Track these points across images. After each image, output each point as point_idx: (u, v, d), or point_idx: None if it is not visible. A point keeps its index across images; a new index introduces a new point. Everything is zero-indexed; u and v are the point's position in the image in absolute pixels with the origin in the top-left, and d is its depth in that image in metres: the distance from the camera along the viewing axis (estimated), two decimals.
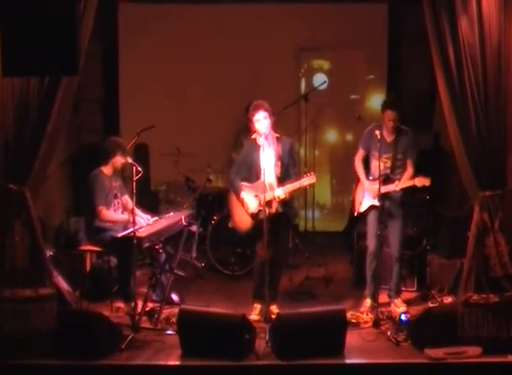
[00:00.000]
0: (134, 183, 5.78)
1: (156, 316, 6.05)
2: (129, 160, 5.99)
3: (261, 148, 5.97)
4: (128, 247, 5.78)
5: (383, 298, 6.43)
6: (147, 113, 8.86)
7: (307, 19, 9.24)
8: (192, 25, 9.28)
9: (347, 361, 5.38)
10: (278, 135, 6.21)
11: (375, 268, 6.35)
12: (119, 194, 6.56)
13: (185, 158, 8.23)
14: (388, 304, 6.43)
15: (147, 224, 6.27)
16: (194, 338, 5.44)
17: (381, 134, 6.18)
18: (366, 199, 6.44)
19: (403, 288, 6.77)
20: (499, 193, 5.39)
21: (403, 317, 5.93)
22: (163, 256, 6.56)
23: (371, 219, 6.40)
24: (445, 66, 5.39)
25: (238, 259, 7.67)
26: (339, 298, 6.83)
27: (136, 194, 5.79)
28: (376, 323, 5.95)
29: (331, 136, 9.74)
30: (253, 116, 6.08)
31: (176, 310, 5.89)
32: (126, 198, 6.61)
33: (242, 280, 7.40)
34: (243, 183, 6.21)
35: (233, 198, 6.32)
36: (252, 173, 6.16)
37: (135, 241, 5.69)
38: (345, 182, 9.54)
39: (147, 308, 6.19)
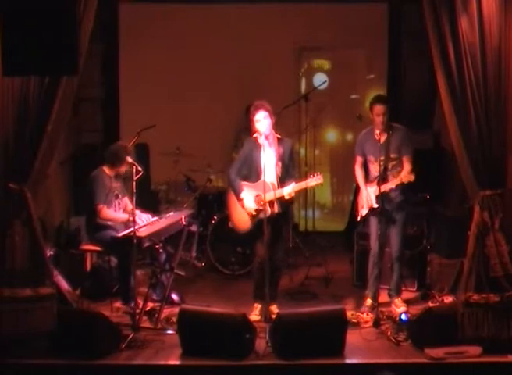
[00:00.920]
0: (134, 183, 5.78)
1: (156, 315, 6.05)
2: (130, 160, 5.99)
3: (262, 148, 5.97)
4: (128, 246, 5.78)
5: (383, 297, 6.43)
6: (147, 113, 8.86)
7: (308, 18, 9.24)
8: (192, 25, 9.27)
9: (347, 361, 5.39)
10: (279, 136, 6.21)
11: (378, 269, 6.34)
12: (120, 195, 6.57)
13: (185, 158, 8.23)
14: (388, 304, 6.43)
15: (148, 224, 6.27)
16: (194, 338, 5.44)
17: (374, 138, 6.18)
18: (365, 202, 6.41)
19: (403, 288, 6.76)
20: (499, 192, 5.39)
21: (403, 317, 5.93)
22: (163, 256, 6.56)
23: (374, 220, 6.39)
24: (445, 65, 5.38)
25: (238, 259, 7.67)
26: (339, 297, 6.84)
27: (136, 194, 5.79)
28: (376, 323, 5.95)
29: (331, 135, 9.74)
30: (253, 116, 6.08)
31: (176, 310, 5.89)
32: (127, 201, 6.62)
33: (242, 279, 7.40)
34: (243, 182, 6.21)
35: (232, 198, 6.31)
36: (253, 173, 6.15)
37: (135, 241, 5.69)
38: (345, 182, 9.55)
39: (148, 308, 6.19)
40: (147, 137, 6.72)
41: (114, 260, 6.57)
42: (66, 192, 8.91)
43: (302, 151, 8.71)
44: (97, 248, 6.47)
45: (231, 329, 5.38)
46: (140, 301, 6.06)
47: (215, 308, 5.87)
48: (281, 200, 6.08)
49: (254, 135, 6.13)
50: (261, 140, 6.02)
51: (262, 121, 6.04)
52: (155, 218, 6.48)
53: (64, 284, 6.32)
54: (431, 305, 6.32)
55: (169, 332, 5.84)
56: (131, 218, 5.89)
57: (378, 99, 6.31)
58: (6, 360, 5.27)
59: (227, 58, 9.27)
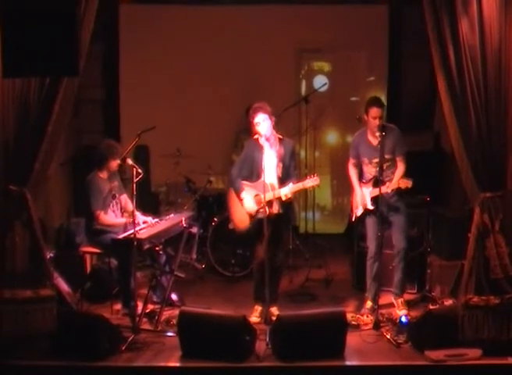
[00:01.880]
0: (135, 185, 5.78)
1: (156, 317, 6.05)
2: (130, 162, 5.99)
3: (263, 149, 5.97)
4: (128, 248, 5.78)
5: (384, 299, 6.41)
6: (147, 114, 8.86)
7: (308, 20, 9.24)
8: (192, 26, 9.28)
9: (347, 363, 5.39)
10: (280, 136, 6.21)
11: (375, 270, 6.34)
12: (117, 195, 6.55)
13: (185, 160, 8.22)
14: (389, 305, 6.41)
15: (148, 226, 6.27)
16: (195, 340, 5.44)
17: (367, 140, 6.18)
18: (360, 203, 6.41)
19: None
20: (499, 194, 5.38)
21: (403, 319, 5.92)
22: (163, 258, 6.56)
23: (370, 221, 6.40)
24: (445, 67, 5.38)
25: (238, 261, 7.66)
26: (339, 299, 6.84)
27: (136, 196, 5.79)
28: (376, 325, 5.95)
29: (331, 137, 9.74)
30: (253, 118, 6.08)
31: (176, 312, 5.89)
32: (126, 199, 6.61)
33: (242, 281, 7.40)
34: (244, 182, 6.21)
35: (232, 198, 6.32)
36: (253, 173, 6.15)
37: (135, 243, 5.69)
38: (345, 184, 9.49)
39: (148, 310, 6.19)
40: (147, 139, 6.70)
41: (114, 262, 6.56)
42: (66, 193, 8.91)
43: (302, 153, 8.71)
44: (97, 250, 6.47)
45: (231, 331, 5.38)
46: (140, 303, 6.07)
47: (215, 311, 5.88)
48: (280, 201, 6.08)
49: (255, 136, 6.13)
50: (262, 141, 6.03)
51: (262, 123, 6.05)
52: (156, 220, 6.47)
53: (64, 286, 6.32)
54: (431, 307, 6.31)
55: (169, 334, 5.84)
56: (129, 220, 5.89)
57: (374, 102, 6.28)
58: (6, 361, 5.26)
59: (227, 60, 9.27)
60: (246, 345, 5.38)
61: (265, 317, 5.90)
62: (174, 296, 6.57)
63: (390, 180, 6.20)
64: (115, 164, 6.43)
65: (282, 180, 6.12)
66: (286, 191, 6.00)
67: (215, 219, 7.80)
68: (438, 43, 5.39)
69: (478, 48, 5.30)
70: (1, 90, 5.26)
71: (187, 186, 8.35)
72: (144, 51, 9.24)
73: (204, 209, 8.19)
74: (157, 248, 6.34)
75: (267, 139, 6.05)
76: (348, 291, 7.14)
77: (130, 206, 6.29)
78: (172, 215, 6.76)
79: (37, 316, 5.35)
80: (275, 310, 6.17)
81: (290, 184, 6.01)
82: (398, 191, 6.23)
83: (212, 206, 8.20)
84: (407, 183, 6.08)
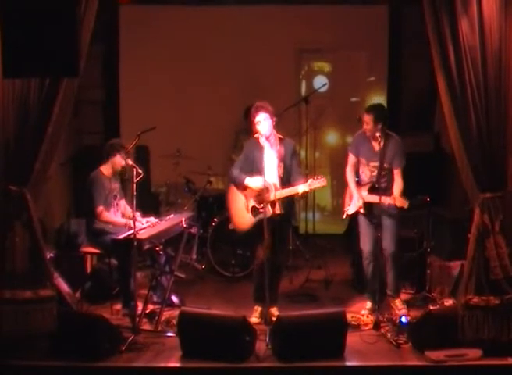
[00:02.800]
0: (135, 185, 5.78)
1: (156, 317, 6.04)
2: (130, 162, 5.99)
3: (264, 149, 5.96)
4: (128, 249, 5.78)
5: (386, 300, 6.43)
6: (147, 115, 8.87)
7: (308, 20, 9.25)
8: (192, 27, 9.28)
9: (348, 363, 5.39)
10: (281, 136, 6.21)
11: (372, 270, 6.35)
12: (118, 196, 6.56)
13: (185, 160, 8.22)
14: (389, 306, 6.42)
15: (148, 226, 6.27)
16: (195, 340, 5.44)
17: (369, 141, 6.20)
18: (353, 203, 6.42)
19: (403, 290, 6.78)
20: (499, 195, 5.38)
21: (403, 319, 5.92)
22: (163, 258, 6.56)
23: (363, 222, 6.41)
24: (445, 68, 5.38)
25: (238, 261, 7.66)
26: (339, 300, 6.83)
27: (136, 196, 5.79)
28: (376, 326, 5.95)
29: (331, 138, 9.75)
30: (254, 117, 6.08)
31: (176, 312, 5.89)
32: (125, 205, 6.63)
33: (242, 282, 7.40)
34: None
35: (232, 197, 6.31)
36: (254, 173, 6.12)
37: (135, 243, 5.69)
38: (345, 184, 9.53)
39: (148, 310, 6.19)
40: (147, 140, 6.71)
41: (114, 262, 6.56)
42: (66, 194, 8.92)
43: (302, 153, 8.71)
44: (97, 251, 6.47)
45: (231, 331, 5.37)
46: (140, 304, 6.06)
47: (215, 311, 5.89)
48: (282, 201, 6.08)
49: (256, 135, 6.12)
50: (262, 141, 6.02)
51: (263, 123, 6.04)
52: (156, 220, 6.47)
53: (64, 286, 6.32)
54: (431, 307, 6.31)
55: (169, 334, 5.83)
56: (130, 222, 5.89)
57: (366, 108, 6.42)
58: (6, 361, 5.26)
59: (227, 60, 9.28)
60: (246, 346, 5.38)
61: (265, 318, 5.89)
62: (175, 298, 6.56)
63: (385, 188, 6.22)
64: (119, 161, 6.43)
65: (284, 181, 6.11)
66: (304, 188, 5.97)
67: (215, 220, 7.80)
68: (438, 43, 5.39)
69: (478, 49, 5.30)
70: (1, 90, 5.26)
71: (187, 186, 8.35)
72: (143, 51, 9.25)
73: (204, 210, 8.19)
74: (157, 249, 6.34)
75: (267, 139, 6.04)
76: (348, 291, 7.14)
77: (130, 211, 6.29)
78: (172, 215, 6.76)
79: (37, 316, 5.35)
80: (275, 310, 6.16)
81: (303, 185, 5.98)
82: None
83: (212, 207, 8.20)
84: (403, 204, 6.07)
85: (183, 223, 6.44)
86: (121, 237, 6.01)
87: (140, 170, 5.85)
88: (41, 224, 5.82)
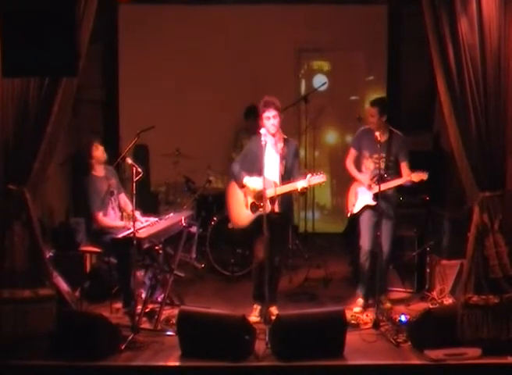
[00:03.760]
0: (134, 185, 5.78)
1: (156, 316, 6.05)
2: (129, 161, 5.99)
3: (267, 146, 5.94)
4: (127, 248, 5.78)
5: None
6: (146, 114, 8.86)
7: (307, 20, 9.24)
8: (192, 26, 9.28)
9: (347, 362, 5.38)
10: (285, 136, 6.21)
11: (368, 267, 6.38)
12: (115, 191, 6.54)
13: (185, 159, 8.22)
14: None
15: (147, 225, 6.27)
16: (194, 339, 5.44)
17: (373, 135, 6.23)
18: (360, 200, 6.45)
19: (402, 289, 6.80)
20: (498, 194, 5.39)
21: (403, 318, 5.93)
22: (163, 257, 6.55)
23: (365, 219, 6.44)
24: (445, 67, 5.38)
25: (238, 260, 7.67)
26: (338, 299, 6.83)
27: (136, 195, 5.79)
28: (376, 324, 5.95)
29: (331, 137, 9.74)
30: (263, 112, 6.04)
31: (175, 311, 5.90)
32: (125, 199, 6.61)
33: (242, 280, 7.40)
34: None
35: (231, 194, 6.31)
36: (255, 170, 6.09)
37: (135, 242, 5.69)
38: (345, 183, 9.50)
39: (147, 309, 6.19)
40: (146, 139, 6.72)
41: (113, 261, 6.56)
42: (66, 193, 8.91)
43: (302, 152, 8.69)
44: (97, 250, 6.47)
45: (230, 330, 5.38)
46: (140, 303, 6.06)
47: (215, 310, 5.87)
48: (281, 199, 6.08)
49: (261, 131, 6.00)
50: (266, 138, 5.97)
51: (272, 119, 6.02)
52: (155, 219, 6.47)
53: (63, 285, 6.32)
54: (430, 306, 6.32)
55: (169, 333, 5.84)
56: (128, 225, 5.88)
57: (371, 101, 6.54)
58: (6, 361, 5.26)
59: (227, 60, 9.28)
60: (245, 345, 5.38)
61: (265, 317, 5.89)
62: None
63: (389, 179, 6.27)
64: (98, 152, 6.43)
65: (284, 179, 6.11)
66: (303, 184, 5.98)
67: (215, 219, 7.80)
68: (437, 43, 5.39)
69: (477, 48, 5.30)
70: (0, 90, 5.26)
71: (187, 185, 8.36)
72: (143, 51, 9.25)
73: (204, 209, 8.19)
74: (156, 248, 6.34)
75: (273, 135, 6.04)
76: (347, 290, 7.13)
77: (130, 207, 6.28)
78: (171, 214, 6.76)
79: (37, 315, 5.35)
80: (274, 309, 6.16)
81: (301, 181, 5.99)
82: (397, 190, 6.24)
83: (212, 206, 8.20)
84: (422, 176, 6.14)
85: (183, 222, 6.44)
86: (120, 236, 6.01)
87: (139, 169, 5.84)
88: (40, 223, 5.82)
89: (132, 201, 5.88)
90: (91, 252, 6.71)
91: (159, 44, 9.26)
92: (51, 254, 6.54)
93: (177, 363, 5.39)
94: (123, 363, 5.35)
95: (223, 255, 7.73)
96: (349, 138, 9.55)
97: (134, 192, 5.78)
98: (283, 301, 6.59)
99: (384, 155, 6.29)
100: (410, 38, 9.03)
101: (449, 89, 5.39)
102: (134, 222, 5.78)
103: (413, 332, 5.64)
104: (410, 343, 5.61)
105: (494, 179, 5.38)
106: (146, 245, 5.95)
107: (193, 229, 7.61)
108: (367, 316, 6.23)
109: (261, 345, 5.51)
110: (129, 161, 5.99)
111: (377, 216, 6.22)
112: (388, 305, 6.45)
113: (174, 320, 5.84)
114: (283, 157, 6.14)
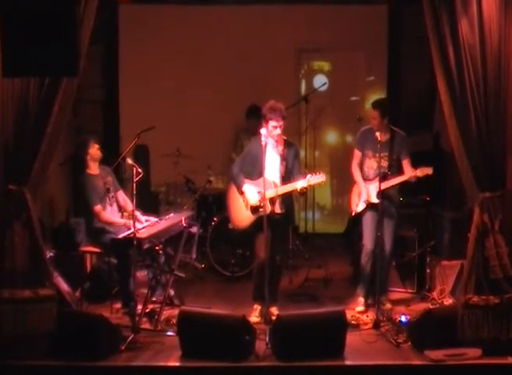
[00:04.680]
0: (135, 185, 5.77)
1: (156, 317, 6.05)
2: (130, 161, 5.99)
3: (268, 146, 5.94)
4: (128, 248, 5.78)
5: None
6: (147, 114, 8.86)
7: (308, 20, 9.24)
8: (192, 26, 9.27)
9: (347, 362, 5.38)
10: (286, 138, 6.20)
11: (370, 267, 6.38)
12: (111, 188, 6.54)
13: (185, 160, 8.22)
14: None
15: (148, 225, 6.27)
16: (194, 339, 5.44)
17: (375, 135, 6.24)
18: (363, 199, 6.45)
19: (403, 289, 6.79)
20: (498, 194, 5.38)
21: (403, 319, 5.93)
22: (163, 257, 6.55)
23: (368, 218, 6.44)
24: (445, 67, 5.38)
25: (238, 260, 7.66)
26: (339, 299, 6.83)
27: (136, 195, 5.79)
28: (376, 325, 5.95)
29: (331, 137, 9.74)
30: (270, 119, 6.01)
31: (176, 311, 5.89)
32: (124, 197, 6.61)
33: (242, 281, 7.40)
34: (245, 179, 6.20)
35: (231, 195, 6.31)
36: (255, 171, 6.11)
37: (135, 243, 5.69)
38: (345, 183, 9.51)
39: (147, 310, 6.18)
40: (147, 139, 6.72)
41: (114, 262, 6.55)
42: (66, 193, 8.91)
43: (302, 153, 8.69)
44: (97, 250, 6.46)
45: (231, 331, 5.38)
46: (140, 303, 6.06)
47: (215, 310, 5.88)
48: (283, 200, 6.08)
49: (262, 131, 6.00)
50: (268, 140, 5.97)
51: (278, 129, 6.01)
52: (156, 219, 6.47)
53: (64, 286, 6.32)
54: (431, 306, 6.32)
55: (169, 334, 5.84)
56: (128, 223, 5.88)
57: (372, 104, 6.52)
58: (5, 361, 5.26)
59: (227, 60, 9.28)
60: (245, 345, 5.38)
61: (265, 317, 5.89)
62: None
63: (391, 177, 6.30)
64: (93, 149, 6.43)
65: (285, 181, 6.11)
66: (303, 184, 5.98)
67: (215, 219, 7.80)
68: (437, 43, 5.39)
69: (477, 48, 5.30)
70: (0, 90, 5.26)
71: (187, 186, 8.35)
72: (143, 51, 9.25)
73: (204, 209, 8.18)
74: (156, 248, 6.34)
75: (273, 138, 6.05)
76: (348, 290, 7.13)
77: (130, 206, 6.28)
78: (171, 214, 6.76)
79: (37, 315, 5.35)
80: (274, 310, 6.16)
81: (301, 180, 5.99)
82: (399, 190, 6.26)
83: (212, 206, 8.20)
84: (427, 171, 6.16)
85: (183, 222, 6.43)
86: (120, 236, 6.01)
87: (139, 170, 5.84)
88: (41, 223, 5.81)
89: (132, 202, 5.87)
90: (91, 252, 6.71)
91: (159, 44, 9.26)
92: (51, 254, 6.54)
93: (177, 364, 5.39)
94: (123, 364, 5.35)
95: (223, 256, 7.73)
96: (349, 138, 9.58)
97: (134, 192, 5.78)
98: (284, 301, 6.59)
99: (387, 154, 6.32)
100: (410, 38, 9.03)
101: (449, 89, 5.39)
102: (135, 222, 5.78)
103: (413, 332, 5.64)
104: (410, 343, 5.61)
105: (494, 179, 5.38)
106: (146, 246, 5.95)
107: (194, 229, 7.60)
108: (367, 316, 6.23)
109: (261, 345, 5.50)
110: (130, 161, 5.99)
111: (379, 215, 6.22)
112: (388, 305, 6.46)
113: (174, 321, 5.84)
114: (284, 158, 6.14)
